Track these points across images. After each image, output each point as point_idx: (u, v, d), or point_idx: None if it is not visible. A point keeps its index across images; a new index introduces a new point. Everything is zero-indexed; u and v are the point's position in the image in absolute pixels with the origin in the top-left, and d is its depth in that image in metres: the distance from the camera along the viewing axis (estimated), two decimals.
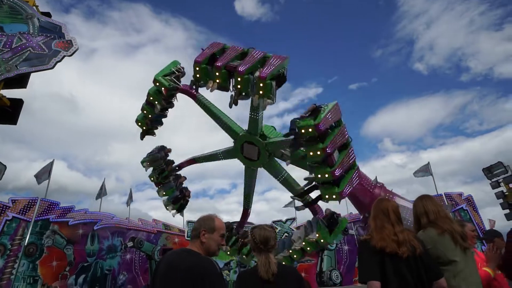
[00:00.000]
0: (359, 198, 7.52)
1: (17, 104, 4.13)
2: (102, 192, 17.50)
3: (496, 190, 14.67)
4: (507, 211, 14.04)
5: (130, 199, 18.57)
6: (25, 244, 12.58)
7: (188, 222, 18.42)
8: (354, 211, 19.37)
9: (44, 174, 14.09)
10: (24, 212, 13.31)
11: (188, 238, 15.77)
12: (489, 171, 14.91)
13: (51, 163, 14.59)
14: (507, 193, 14.18)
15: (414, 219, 2.98)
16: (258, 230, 2.62)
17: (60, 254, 13.75)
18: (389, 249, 2.31)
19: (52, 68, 4.08)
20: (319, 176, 6.10)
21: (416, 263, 2.30)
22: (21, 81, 4.10)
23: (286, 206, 19.48)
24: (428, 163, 18.38)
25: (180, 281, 2.07)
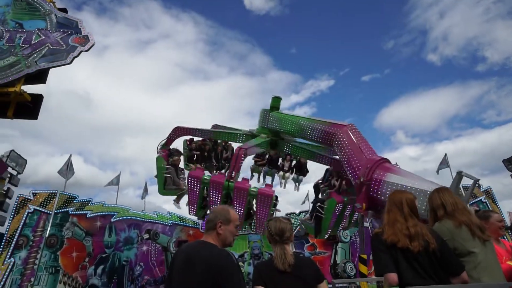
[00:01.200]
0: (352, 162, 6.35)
1: (38, 99, 4.23)
2: (113, 181, 17.86)
3: None
4: None
5: (145, 192, 18.92)
6: (46, 235, 13.03)
7: None
8: None
9: (67, 169, 14.57)
10: (44, 205, 13.76)
11: (202, 231, 15.99)
12: (509, 162, 14.48)
13: (69, 158, 15.00)
14: None
15: (430, 212, 2.93)
16: (274, 222, 2.64)
17: (79, 245, 14.20)
18: (401, 244, 2.29)
19: (70, 63, 4.16)
20: None
21: (429, 258, 2.27)
22: (40, 76, 4.20)
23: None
24: (445, 154, 17.99)
25: (199, 273, 2.09)
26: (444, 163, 18.00)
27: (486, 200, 17.07)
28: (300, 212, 19.90)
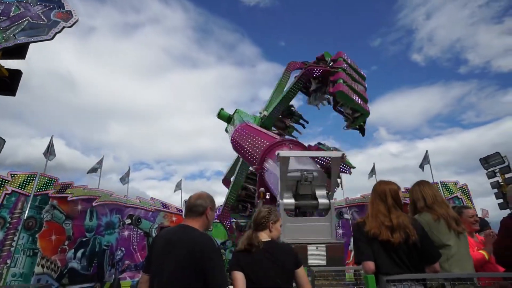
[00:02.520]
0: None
1: (16, 75, 4.05)
2: (96, 167, 17.53)
3: (492, 180, 14.79)
4: (501, 200, 14.21)
5: (127, 177, 18.67)
6: (25, 217, 12.73)
7: (185, 201, 18.62)
8: (350, 196, 19.58)
9: (48, 151, 14.21)
10: (23, 187, 13.39)
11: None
12: (486, 161, 14.98)
13: (51, 140, 14.60)
14: (502, 183, 14.31)
15: (411, 203, 3.03)
16: (256, 211, 2.77)
17: (59, 228, 13.95)
18: (382, 237, 2.36)
19: (51, 39, 3.98)
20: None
21: (409, 249, 2.35)
22: (19, 51, 4.01)
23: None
24: (427, 151, 18.46)
25: (180, 256, 2.10)
26: (426, 159, 18.51)
27: (462, 197, 17.68)
28: None
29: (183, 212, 18.26)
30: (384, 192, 2.61)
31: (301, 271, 2.52)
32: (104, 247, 15.58)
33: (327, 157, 5.34)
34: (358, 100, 8.39)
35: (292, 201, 4.26)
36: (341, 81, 8.19)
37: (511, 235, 2.76)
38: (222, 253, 17.37)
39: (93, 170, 17.63)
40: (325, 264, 3.60)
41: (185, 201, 18.50)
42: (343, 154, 4.42)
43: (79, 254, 14.39)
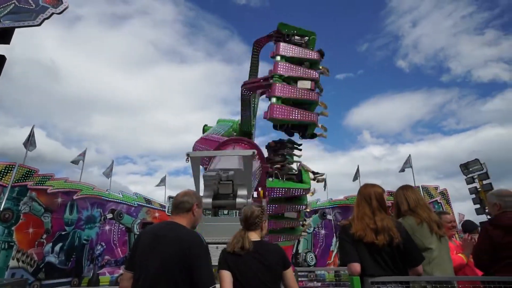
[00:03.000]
0: None
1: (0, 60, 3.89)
2: (78, 159, 17.17)
3: (470, 185, 15.30)
4: (478, 206, 14.71)
5: (110, 171, 18.34)
6: (1, 209, 12.31)
7: (170, 197, 18.42)
8: (334, 196, 19.84)
9: (28, 141, 13.76)
10: (0, 177, 12.94)
11: (169, 213, 15.80)
12: (465, 167, 15.48)
13: (32, 129, 14.16)
14: (480, 189, 14.82)
15: (395, 207, 3.09)
16: (245, 209, 2.69)
17: (37, 221, 13.54)
18: (367, 239, 2.39)
19: (39, 25, 3.84)
20: None
21: (392, 252, 2.39)
22: (4, 36, 3.83)
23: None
24: (409, 155, 18.92)
25: (167, 254, 2.07)
26: (408, 163, 18.97)
27: (441, 201, 18.19)
28: None
29: (166, 208, 18.16)
30: (370, 195, 2.65)
31: (289, 272, 2.52)
32: (84, 241, 15.24)
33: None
34: (297, 116, 7.68)
35: (209, 200, 4.29)
36: (274, 100, 7.62)
37: (490, 240, 2.85)
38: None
39: (76, 162, 17.24)
40: None
41: (169, 198, 18.32)
42: (254, 152, 4.50)
43: (57, 248, 14.02)
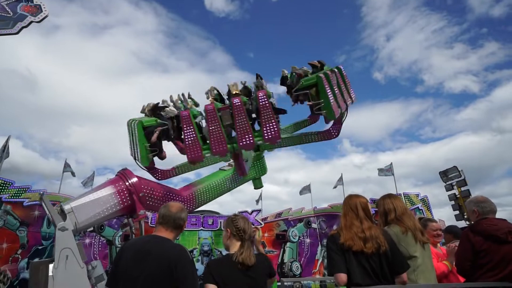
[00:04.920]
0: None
1: None
2: (65, 170, 16.74)
3: (450, 192, 15.75)
4: (457, 212, 15.12)
5: (91, 181, 17.85)
6: None
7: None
8: (319, 205, 19.96)
9: (3, 152, 13.22)
10: None
11: (152, 225, 15.45)
12: (444, 174, 15.93)
13: (8, 139, 13.65)
14: (458, 196, 15.26)
15: (381, 215, 3.14)
16: (242, 219, 2.66)
17: (12, 236, 12.93)
18: (355, 247, 2.42)
19: (17, 33, 3.70)
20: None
21: (380, 259, 2.43)
22: None
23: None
24: (391, 163, 19.33)
25: (153, 268, 2.01)
26: (386, 170, 19.38)
27: (423, 208, 18.59)
28: (252, 211, 20.09)
29: (149, 219, 17.75)
30: (356, 205, 2.70)
31: (271, 281, 2.54)
32: None
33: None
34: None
35: None
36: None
37: (471, 246, 2.92)
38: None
39: (73, 173, 16.87)
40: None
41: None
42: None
43: None
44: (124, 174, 5.96)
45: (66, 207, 5.20)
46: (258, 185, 9.12)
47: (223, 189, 7.76)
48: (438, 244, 3.91)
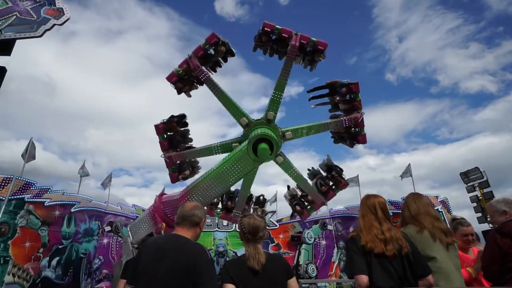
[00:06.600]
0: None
1: (0, 72, 3.86)
2: (82, 171, 17.16)
3: (471, 194, 15.24)
4: (480, 214, 14.62)
5: (109, 182, 18.20)
6: None
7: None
8: (334, 207, 19.70)
9: (26, 152, 13.68)
10: None
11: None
12: (465, 176, 15.44)
13: (30, 141, 14.08)
14: (480, 197, 14.75)
15: (402, 216, 3.05)
16: (248, 219, 2.55)
17: (34, 235, 13.32)
18: (377, 250, 2.35)
19: (41, 36, 3.82)
20: None
21: (402, 261, 2.35)
22: (5, 47, 3.80)
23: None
24: (409, 164, 18.89)
25: (173, 266, 2.02)
26: (407, 172, 18.93)
27: (442, 210, 18.07)
28: (268, 212, 20.02)
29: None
30: (374, 205, 2.63)
31: (293, 282, 2.47)
32: (82, 255, 14.99)
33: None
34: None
35: None
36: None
37: (498, 249, 2.79)
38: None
39: (86, 174, 17.35)
40: None
41: None
42: None
43: (54, 262, 13.76)
44: (155, 199, 7.72)
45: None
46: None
47: (224, 175, 6.97)
48: (470, 249, 3.64)
